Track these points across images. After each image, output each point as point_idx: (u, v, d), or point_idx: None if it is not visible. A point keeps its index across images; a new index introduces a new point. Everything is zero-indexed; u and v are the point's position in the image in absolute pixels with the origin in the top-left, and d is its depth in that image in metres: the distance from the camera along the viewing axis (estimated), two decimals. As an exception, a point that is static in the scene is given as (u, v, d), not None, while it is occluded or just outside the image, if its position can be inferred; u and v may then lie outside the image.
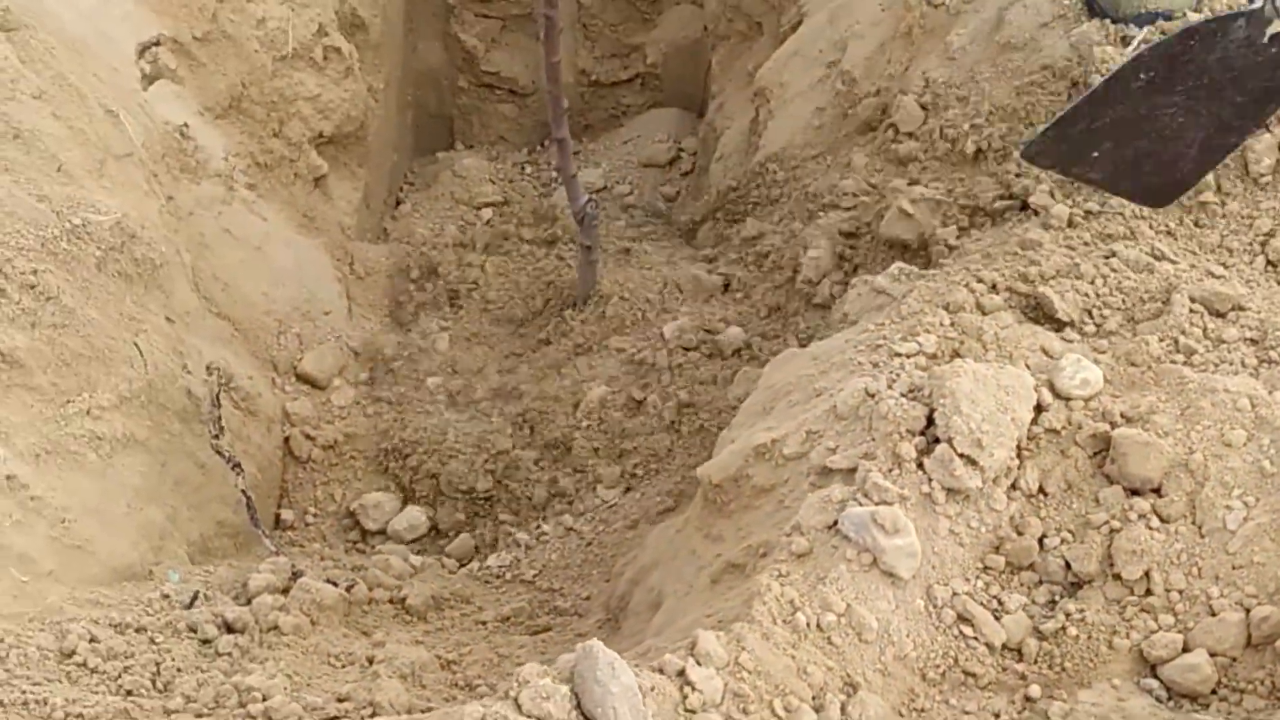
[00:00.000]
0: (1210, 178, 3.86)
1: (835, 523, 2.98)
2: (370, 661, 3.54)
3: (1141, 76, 3.54)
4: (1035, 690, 2.93)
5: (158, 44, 5.16)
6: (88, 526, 3.78)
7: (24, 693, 3.05)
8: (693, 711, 2.53)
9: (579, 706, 2.42)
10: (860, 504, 3.00)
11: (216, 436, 4.24)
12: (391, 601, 4.15)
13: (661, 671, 2.56)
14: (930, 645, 2.95)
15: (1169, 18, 4.20)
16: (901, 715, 2.85)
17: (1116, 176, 3.73)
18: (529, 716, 2.37)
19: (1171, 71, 3.54)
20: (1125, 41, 4.28)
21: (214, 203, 5.24)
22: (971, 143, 4.54)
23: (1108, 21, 4.32)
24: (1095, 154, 3.67)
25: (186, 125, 5.16)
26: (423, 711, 3.03)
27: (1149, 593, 3.03)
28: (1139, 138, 3.64)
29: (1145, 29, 4.21)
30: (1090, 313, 3.68)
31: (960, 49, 4.74)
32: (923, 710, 2.89)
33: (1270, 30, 3.44)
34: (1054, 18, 4.50)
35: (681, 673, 2.56)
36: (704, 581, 3.38)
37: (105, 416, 4.00)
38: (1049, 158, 3.77)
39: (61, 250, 4.09)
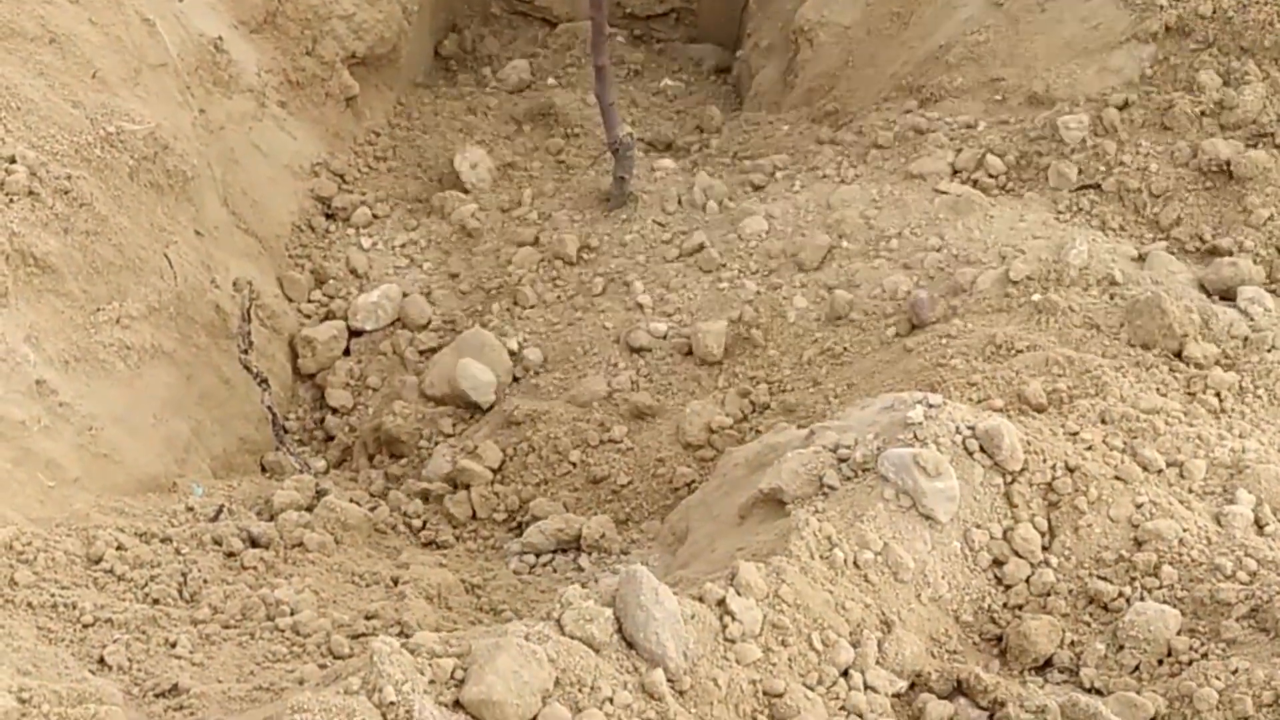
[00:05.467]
0: None
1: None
2: (395, 582, 3.51)
3: None
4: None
5: (194, -47, 5.08)
6: (115, 435, 3.76)
7: (52, 595, 3.04)
8: (732, 641, 2.52)
9: (620, 630, 2.41)
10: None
11: (245, 351, 4.21)
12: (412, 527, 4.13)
13: (702, 600, 2.55)
14: (965, 588, 2.93)
15: None
16: (934, 656, 2.83)
17: None
18: (571, 638, 2.35)
19: None
20: None
21: (245, 118, 5.17)
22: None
23: None
24: None
25: (221, 39, 5.09)
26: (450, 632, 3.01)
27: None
28: None
29: None
30: None
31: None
32: (955, 652, 2.87)
33: None
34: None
35: (722, 602, 2.55)
36: (731, 515, 3.36)
37: (135, 326, 3.98)
38: None
39: (95, 157, 4.05)
